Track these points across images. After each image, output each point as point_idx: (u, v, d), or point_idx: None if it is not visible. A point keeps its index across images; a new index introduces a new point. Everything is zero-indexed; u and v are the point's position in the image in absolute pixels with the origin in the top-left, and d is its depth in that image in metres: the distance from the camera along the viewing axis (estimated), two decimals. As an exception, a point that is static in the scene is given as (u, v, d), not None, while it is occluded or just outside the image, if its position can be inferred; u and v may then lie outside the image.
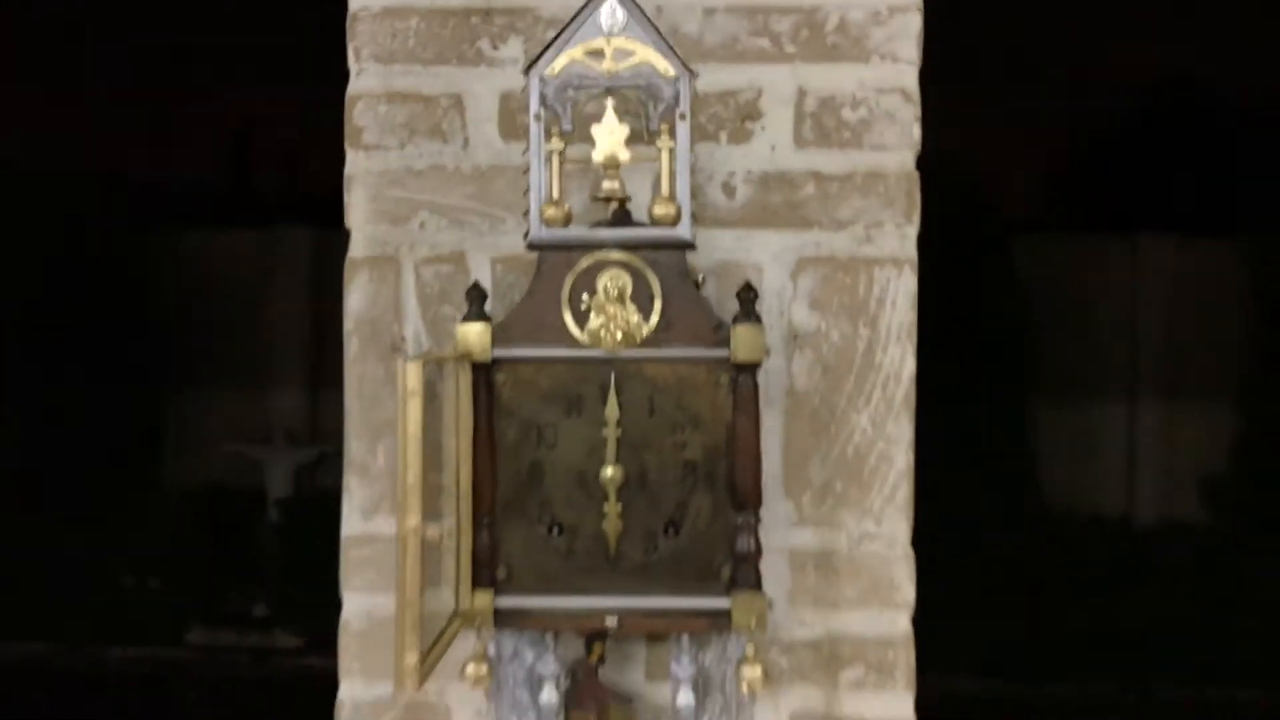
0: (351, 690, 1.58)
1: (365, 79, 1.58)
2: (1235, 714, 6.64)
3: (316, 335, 9.16)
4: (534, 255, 1.52)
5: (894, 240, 1.56)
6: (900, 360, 1.55)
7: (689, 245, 1.34)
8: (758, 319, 1.32)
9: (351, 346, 1.58)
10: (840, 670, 1.55)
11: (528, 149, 1.36)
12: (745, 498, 1.33)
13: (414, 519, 1.06)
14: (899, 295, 1.55)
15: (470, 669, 1.35)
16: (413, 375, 1.07)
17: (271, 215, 9.29)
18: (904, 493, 1.55)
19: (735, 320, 1.32)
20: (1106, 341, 8.62)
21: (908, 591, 1.55)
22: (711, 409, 1.34)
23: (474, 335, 1.32)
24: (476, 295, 1.33)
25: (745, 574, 1.34)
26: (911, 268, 1.56)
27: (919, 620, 1.59)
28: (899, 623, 1.55)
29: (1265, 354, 8.03)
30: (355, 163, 1.59)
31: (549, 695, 1.37)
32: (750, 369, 1.33)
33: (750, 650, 1.36)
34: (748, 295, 1.33)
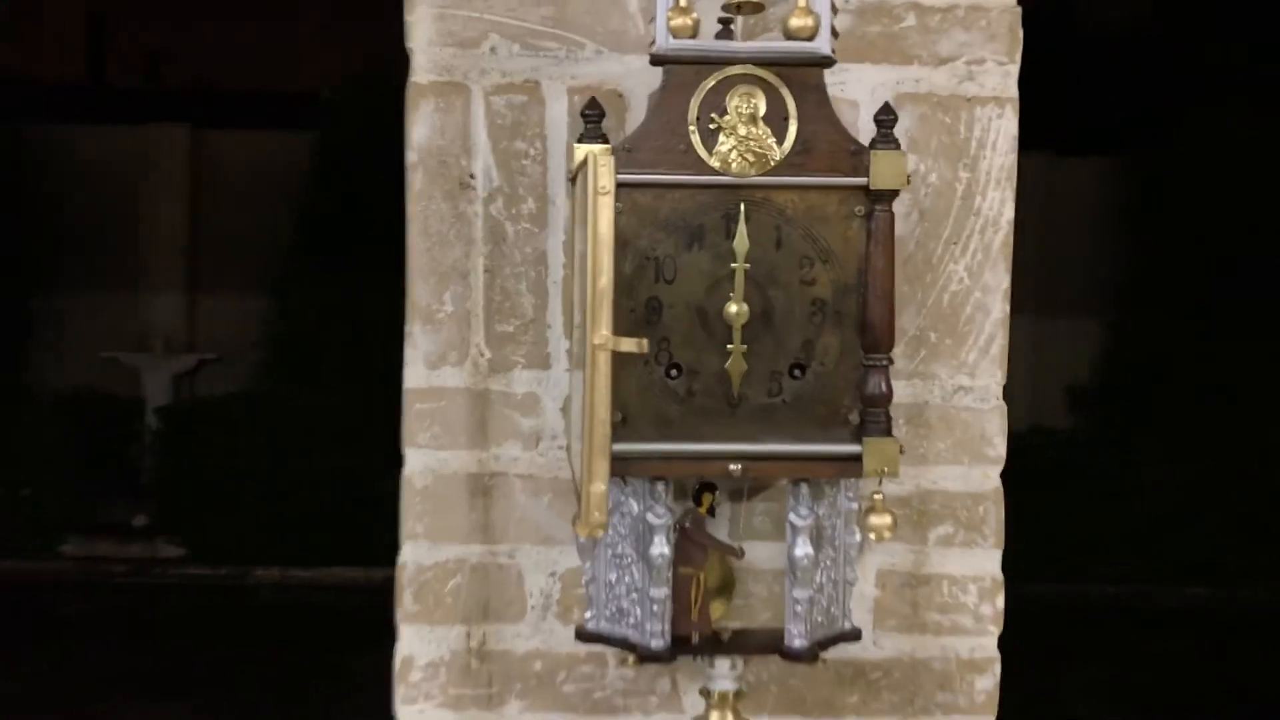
0: (415, 553, 1.46)
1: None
2: (1097, 606, 7.00)
3: (194, 241, 8.78)
4: (614, 85, 1.41)
5: (996, 78, 1.48)
6: (1000, 205, 1.49)
7: (829, 61, 1.23)
8: (897, 144, 1.23)
9: (415, 181, 1.44)
10: (930, 527, 1.50)
11: (645, -47, 1.24)
12: (878, 337, 1.25)
13: (605, 330, 0.95)
14: (1000, 137, 1.48)
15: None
16: (604, 172, 0.95)
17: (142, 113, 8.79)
18: (999, 344, 1.50)
19: (873, 144, 1.23)
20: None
21: (1000, 446, 1.50)
22: (843, 242, 1.25)
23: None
24: (595, 114, 1.21)
25: (876, 418, 1.26)
26: (1013, 108, 1.48)
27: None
28: (991, 478, 1.51)
29: (1127, 271, 8.29)
30: (418, -24, 1.43)
31: (659, 548, 1.27)
32: (888, 198, 1.24)
33: (878, 498, 1.29)
34: (887, 118, 1.24)
